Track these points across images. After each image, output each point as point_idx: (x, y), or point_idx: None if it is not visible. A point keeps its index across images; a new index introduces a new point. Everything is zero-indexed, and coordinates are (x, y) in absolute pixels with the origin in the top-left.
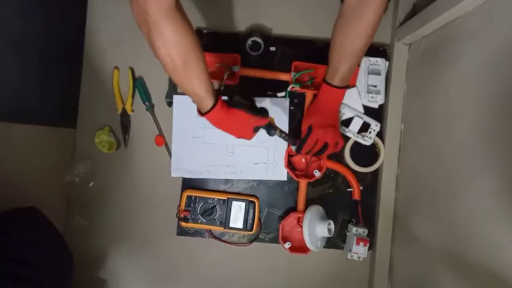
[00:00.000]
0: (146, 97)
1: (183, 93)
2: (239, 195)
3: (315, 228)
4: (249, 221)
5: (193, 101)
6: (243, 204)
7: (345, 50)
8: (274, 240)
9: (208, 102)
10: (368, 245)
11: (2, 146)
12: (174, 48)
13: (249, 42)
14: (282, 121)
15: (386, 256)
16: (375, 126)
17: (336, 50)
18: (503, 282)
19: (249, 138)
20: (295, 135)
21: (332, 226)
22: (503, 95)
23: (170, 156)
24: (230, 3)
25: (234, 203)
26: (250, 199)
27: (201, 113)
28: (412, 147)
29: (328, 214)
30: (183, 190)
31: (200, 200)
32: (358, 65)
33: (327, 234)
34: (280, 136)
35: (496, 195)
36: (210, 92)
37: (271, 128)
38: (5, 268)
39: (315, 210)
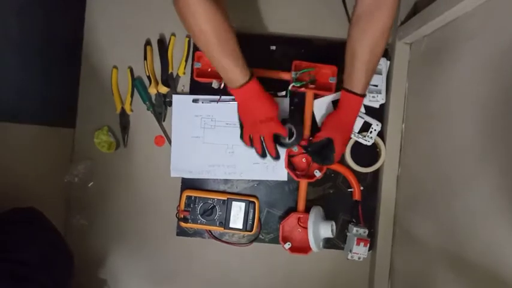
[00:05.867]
0: (146, 97)
1: (182, 93)
2: (239, 195)
3: (319, 229)
4: (249, 222)
5: (224, 79)
6: (243, 205)
7: (367, 58)
8: (274, 240)
9: (239, 77)
10: (368, 245)
11: (1, 146)
12: (206, 25)
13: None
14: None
15: (386, 256)
16: (375, 126)
17: (358, 58)
18: (503, 282)
19: (266, 131)
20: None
21: (334, 227)
22: (504, 95)
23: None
24: (229, 2)
25: (234, 203)
26: (250, 199)
27: (230, 89)
28: (413, 147)
29: (329, 214)
30: (182, 190)
31: (200, 200)
32: None
33: (330, 235)
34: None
35: (496, 196)
36: (245, 67)
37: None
38: (5, 268)
39: (318, 211)
